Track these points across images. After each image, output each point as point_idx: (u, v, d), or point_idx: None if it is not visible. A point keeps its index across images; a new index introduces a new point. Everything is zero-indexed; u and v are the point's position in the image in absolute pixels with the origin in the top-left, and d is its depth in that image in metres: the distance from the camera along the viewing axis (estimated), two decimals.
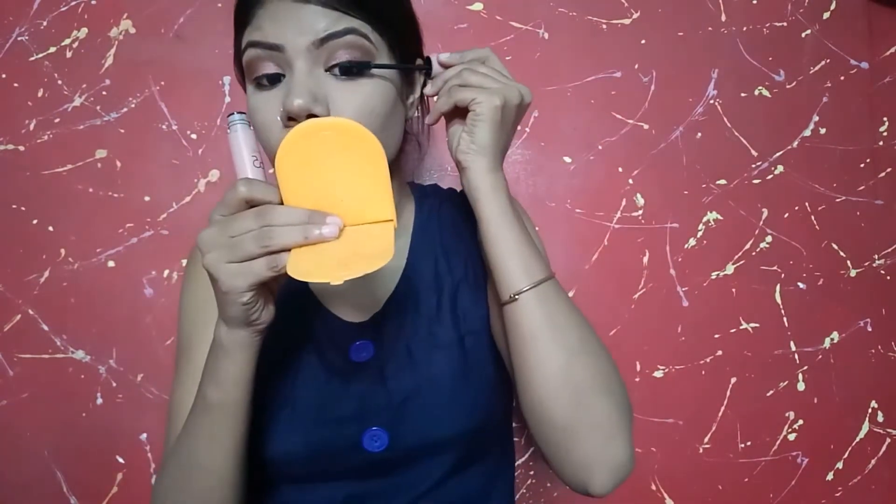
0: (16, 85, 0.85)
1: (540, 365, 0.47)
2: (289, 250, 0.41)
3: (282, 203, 0.44)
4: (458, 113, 0.50)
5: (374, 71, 0.48)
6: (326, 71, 0.47)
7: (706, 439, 0.90)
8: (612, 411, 0.47)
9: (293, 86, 0.46)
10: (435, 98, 0.52)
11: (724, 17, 0.90)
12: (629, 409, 0.49)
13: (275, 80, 0.48)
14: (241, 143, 0.51)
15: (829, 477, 0.91)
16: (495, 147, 0.49)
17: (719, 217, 0.90)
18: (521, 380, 0.49)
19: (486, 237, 0.49)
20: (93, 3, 0.85)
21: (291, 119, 0.46)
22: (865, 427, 0.91)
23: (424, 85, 0.55)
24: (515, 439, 0.87)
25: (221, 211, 0.43)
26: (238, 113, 0.52)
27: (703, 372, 0.90)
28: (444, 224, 0.62)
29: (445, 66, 0.52)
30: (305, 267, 0.40)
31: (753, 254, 0.90)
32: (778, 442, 0.90)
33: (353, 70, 0.47)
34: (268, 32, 0.47)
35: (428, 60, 0.53)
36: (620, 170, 0.89)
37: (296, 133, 0.42)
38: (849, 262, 0.91)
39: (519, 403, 0.51)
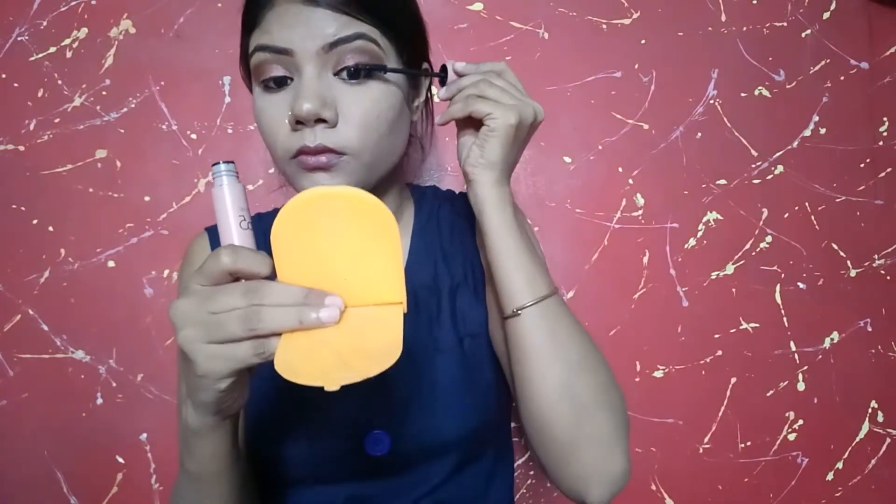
0: (16, 85, 0.85)
1: (541, 380, 0.47)
2: (279, 334, 0.36)
3: (275, 275, 0.38)
4: (471, 122, 0.50)
5: (382, 75, 0.48)
6: (335, 75, 0.47)
7: (706, 439, 0.90)
8: (611, 425, 0.47)
9: (302, 90, 0.45)
10: (438, 100, 0.52)
11: (724, 17, 0.90)
12: (627, 421, 0.49)
13: (282, 82, 0.48)
14: (227, 199, 0.42)
15: (829, 477, 0.91)
16: (505, 162, 0.48)
17: (719, 217, 0.90)
18: (521, 393, 0.49)
19: (491, 250, 0.49)
20: (93, 3, 0.85)
21: (300, 123, 0.46)
22: (865, 427, 0.91)
23: (428, 89, 0.55)
24: (515, 439, 0.87)
25: (201, 280, 0.37)
26: (224, 162, 0.43)
27: (703, 372, 0.90)
28: (443, 227, 0.61)
29: (460, 75, 0.51)
30: (297, 361, 0.35)
31: (753, 254, 0.90)
32: (778, 442, 0.90)
33: (361, 73, 0.47)
34: (276, 36, 0.46)
35: (444, 68, 0.52)
36: (620, 170, 0.89)
37: (299, 200, 0.37)
38: (849, 262, 0.91)
39: (518, 414, 0.51)
